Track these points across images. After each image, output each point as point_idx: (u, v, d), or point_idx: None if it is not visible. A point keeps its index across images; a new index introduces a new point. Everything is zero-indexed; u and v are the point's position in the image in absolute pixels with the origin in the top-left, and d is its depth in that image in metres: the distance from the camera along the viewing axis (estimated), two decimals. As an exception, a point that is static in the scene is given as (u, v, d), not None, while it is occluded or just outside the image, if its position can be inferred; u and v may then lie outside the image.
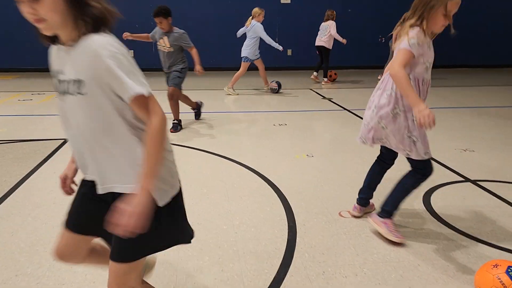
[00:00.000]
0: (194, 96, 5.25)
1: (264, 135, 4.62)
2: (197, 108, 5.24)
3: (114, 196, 1.23)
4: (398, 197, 2.34)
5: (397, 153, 2.39)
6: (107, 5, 1.16)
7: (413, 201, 2.83)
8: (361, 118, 5.37)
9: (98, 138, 1.19)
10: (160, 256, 2.11)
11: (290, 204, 2.80)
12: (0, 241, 2.32)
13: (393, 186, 2.36)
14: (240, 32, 7.13)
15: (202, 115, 5.35)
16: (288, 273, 2.04)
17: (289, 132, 4.78)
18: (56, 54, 1.24)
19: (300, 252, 2.23)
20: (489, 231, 2.49)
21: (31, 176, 3.28)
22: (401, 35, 2.13)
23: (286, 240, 2.34)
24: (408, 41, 2.04)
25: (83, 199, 1.37)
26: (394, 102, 2.15)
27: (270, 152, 3.97)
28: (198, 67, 4.54)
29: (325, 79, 8.32)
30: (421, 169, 2.25)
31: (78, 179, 1.42)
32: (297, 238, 2.37)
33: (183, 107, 4.89)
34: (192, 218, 2.65)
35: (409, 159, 2.26)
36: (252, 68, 7.17)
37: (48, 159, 3.69)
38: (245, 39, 7.00)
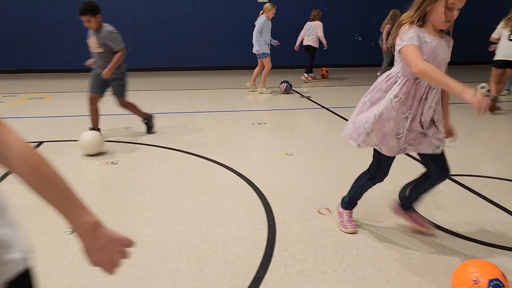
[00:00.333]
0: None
1: (243, 134, 4.62)
2: (147, 119, 4.55)
3: None
4: (351, 190, 2.44)
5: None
6: None
7: (390, 196, 2.87)
8: (339, 116, 5.45)
9: None
10: (137, 259, 2.08)
11: (270, 203, 2.80)
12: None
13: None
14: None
15: (183, 116, 5.29)
16: (268, 271, 2.05)
17: (268, 130, 4.79)
18: None
19: (280, 250, 2.24)
20: (463, 224, 2.55)
21: (0, 183, 3.18)
22: (398, 34, 2.00)
23: (266, 239, 2.35)
24: (406, 36, 1.93)
25: None
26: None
27: (250, 151, 3.97)
28: (106, 70, 3.97)
29: (306, 75, 8.39)
30: (371, 170, 2.29)
31: None
32: (277, 237, 2.38)
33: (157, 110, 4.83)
34: (171, 219, 2.64)
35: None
36: (231, 67, 7.14)
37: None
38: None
